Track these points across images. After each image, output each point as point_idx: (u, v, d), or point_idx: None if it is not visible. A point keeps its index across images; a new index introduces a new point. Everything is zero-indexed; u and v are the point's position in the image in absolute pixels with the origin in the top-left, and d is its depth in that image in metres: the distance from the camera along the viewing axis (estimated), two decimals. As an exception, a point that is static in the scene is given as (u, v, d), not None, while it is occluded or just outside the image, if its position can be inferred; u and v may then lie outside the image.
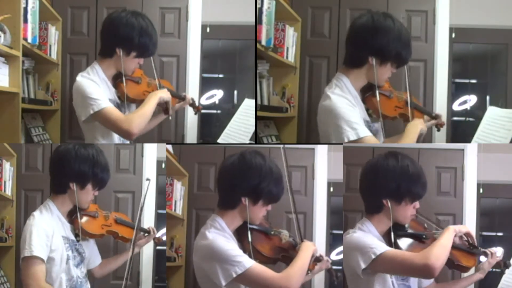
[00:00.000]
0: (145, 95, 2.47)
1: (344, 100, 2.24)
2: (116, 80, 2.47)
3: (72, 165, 2.23)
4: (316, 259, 2.13)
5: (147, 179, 2.50)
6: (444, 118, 2.59)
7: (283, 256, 2.13)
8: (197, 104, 2.76)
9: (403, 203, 2.15)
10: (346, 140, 2.19)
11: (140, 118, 2.36)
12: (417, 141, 2.35)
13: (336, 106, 2.22)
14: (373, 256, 2.02)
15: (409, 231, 2.21)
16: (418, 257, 1.98)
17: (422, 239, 2.18)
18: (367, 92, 2.35)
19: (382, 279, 2.12)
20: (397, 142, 2.42)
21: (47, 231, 2.16)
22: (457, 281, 2.51)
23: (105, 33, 2.46)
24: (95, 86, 2.37)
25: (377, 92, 2.29)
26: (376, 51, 2.23)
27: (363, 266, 2.03)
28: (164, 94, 2.48)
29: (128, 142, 2.57)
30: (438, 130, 2.52)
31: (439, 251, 1.99)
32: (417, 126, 2.34)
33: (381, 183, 2.15)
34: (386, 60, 2.25)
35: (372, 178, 2.19)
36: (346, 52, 2.34)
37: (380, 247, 2.05)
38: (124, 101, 2.46)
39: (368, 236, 2.13)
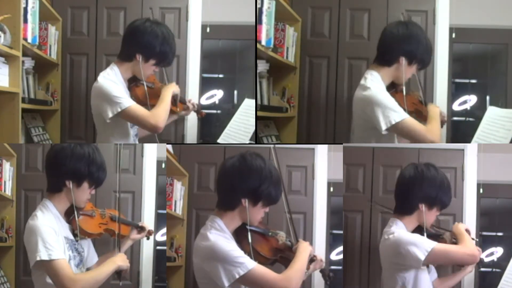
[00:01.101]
0: (157, 99, 2.61)
1: (383, 88, 2.52)
2: (131, 83, 2.60)
3: (68, 163, 2.22)
4: (310, 260, 2.15)
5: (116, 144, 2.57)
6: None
7: (280, 257, 2.14)
8: (201, 110, 2.86)
9: (434, 209, 2.44)
10: (393, 122, 2.44)
11: (164, 113, 2.55)
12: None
13: (379, 93, 2.48)
14: (429, 249, 2.29)
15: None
16: (464, 249, 2.37)
17: (439, 239, 2.44)
18: (389, 90, 2.58)
19: (425, 274, 2.38)
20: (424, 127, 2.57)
21: (54, 230, 2.15)
22: (454, 275, 2.70)
23: (128, 38, 2.58)
24: (117, 86, 2.51)
25: (403, 88, 2.57)
26: (407, 53, 2.53)
27: (422, 258, 2.28)
28: (175, 88, 2.64)
29: (129, 142, 2.64)
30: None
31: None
32: (437, 109, 2.61)
33: (424, 190, 2.40)
34: (413, 62, 2.55)
35: (414, 185, 2.42)
36: (378, 52, 2.62)
37: (431, 241, 2.33)
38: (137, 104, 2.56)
39: (411, 233, 2.40)
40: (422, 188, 2.40)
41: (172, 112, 2.66)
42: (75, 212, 2.25)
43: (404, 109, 2.53)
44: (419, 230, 2.44)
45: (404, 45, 2.53)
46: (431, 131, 2.50)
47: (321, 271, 2.24)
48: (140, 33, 2.53)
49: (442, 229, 2.57)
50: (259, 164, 2.06)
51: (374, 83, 2.52)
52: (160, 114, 2.53)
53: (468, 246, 2.38)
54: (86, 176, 2.24)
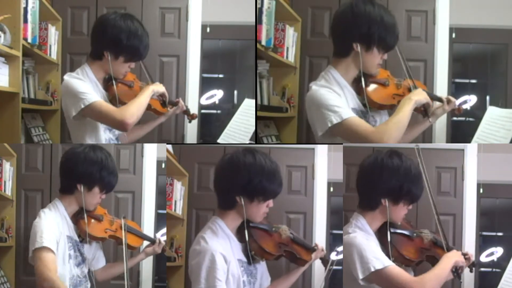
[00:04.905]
0: None
1: (325, 89, 2.20)
2: (108, 83, 2.42)
3: (80, 167, 2.27)
4: (312, 249, 2.22)
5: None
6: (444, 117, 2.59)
7: (285, 251, 2.16)
8: (191, 112, 2.66)
9: (400, 204, 2.14)
10: (329, 125, 2.13)
11: (133, 108, 2.29)
12: (424, 114, 2.31)
13: (316, 94, 2.19)
14: (372, 269, 2.01)
15: (399, 230, 2.20)
16: (416, 284, 2.00)
17: (411, 237, 2.18)
18: (358, 83, 2.27)
19: None
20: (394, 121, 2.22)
21: (55, 227, 2.22)
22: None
23: (94, 35, 2.43)
24: (83, 83, 2.33)
25: (362, 80, 2.23)
26: (359, 37, 2.18)
27: (360, 276, 2.02)
28: (156, 87, 2.43)
29: (119, 142, 2.55)
30: (456, 116, 2.38)
31: (433, 280, 2.02)
32: (410, 99, 2.20)
33: (384, 182, 2.11)
34: (370, 46, 2.19)
35: (374, 176, 2.14)
36: (333, 44, 2.29)
37: (379, 261, 2.03)
38: (116, 105, 2.38)
39: (370, 243, 2.09)
40: (382, 180, 2.09)
41: (159, 113, 2.53)
42: (84, 214, 2.29)
43: (368, 102, 2.23)
44: (386, 227, 2.15)
45: (352, 28, 2.17)
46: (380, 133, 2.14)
47: (321, 259, 2.27)
48: (105, 29, 2.34)
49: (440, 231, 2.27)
50: (248, 160, 2.03)
51: (323, 82, 2.23)
52: (129, 110, 2.28)
53: (428, 279, 2.01)
54: (97, 181, 2.29)
